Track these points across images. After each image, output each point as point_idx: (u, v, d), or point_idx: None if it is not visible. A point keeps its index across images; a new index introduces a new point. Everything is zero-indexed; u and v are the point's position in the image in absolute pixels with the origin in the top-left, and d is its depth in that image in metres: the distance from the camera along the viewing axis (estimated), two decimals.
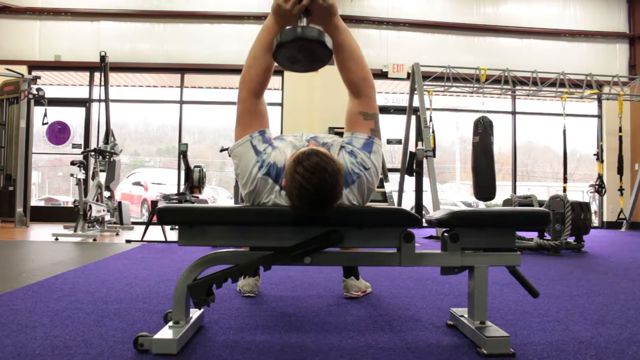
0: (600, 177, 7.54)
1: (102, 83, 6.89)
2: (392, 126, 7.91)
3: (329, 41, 1.43)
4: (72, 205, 5.33)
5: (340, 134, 1.70)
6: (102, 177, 5.90)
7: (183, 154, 5.42)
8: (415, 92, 6.40)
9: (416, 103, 6.39)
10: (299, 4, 1.47)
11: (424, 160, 5.29)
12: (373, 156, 1.53)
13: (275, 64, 1.55)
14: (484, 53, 8.16)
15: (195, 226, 1.40)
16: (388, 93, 8.87)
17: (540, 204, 4.24)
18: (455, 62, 7.38)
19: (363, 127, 1.54)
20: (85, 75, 7.86)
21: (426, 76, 6.67)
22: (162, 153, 13.86)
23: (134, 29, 7.80)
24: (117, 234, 5.46)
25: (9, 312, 1.69)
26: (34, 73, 7.09)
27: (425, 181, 5.36)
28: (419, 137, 6.06)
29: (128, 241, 4.56)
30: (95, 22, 7.76)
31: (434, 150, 6.03)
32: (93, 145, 7.36)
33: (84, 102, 7.81)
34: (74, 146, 7.43)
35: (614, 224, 7.88)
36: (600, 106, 8.41)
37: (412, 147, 6.21)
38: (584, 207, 3.98)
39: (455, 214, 1.41)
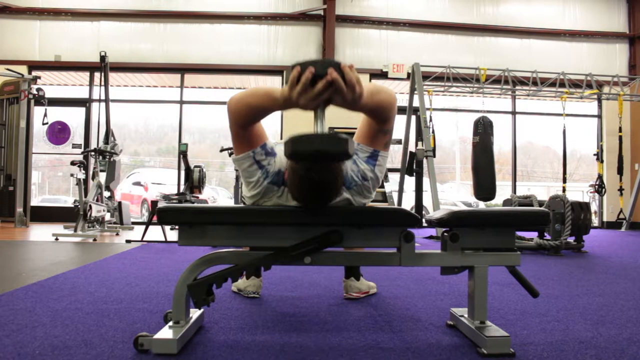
0: (600, 177, 7.54)
1: (102, 83, 6.89)
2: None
3: (352, 147, 1.17)
4: (72, 205, 5.33)
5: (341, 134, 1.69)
6: (102, 177, 5.90)
7: (183, 154, 5.42)
8: (415, 92, 6.40)
9: (416, 103, 6.39)
10: (315, 100, 1.18)
11: (424, 160, 5.29)
12: (377, 168, 1.51)
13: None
14: (484, 53, 8.16)
15: (195, 226, 1.40)
16: None
17: (540, 204, 4.24)
18: (455, 62, 7.39)
19: (379, 141, 1.50)
20: (85, 75, 7.86)
21: (426, 76, 6.67)
22: (162, 153, 13.87)
23: (134, 29, 7.80)
24: (117, 234, 5.46)
25: (9, 312, 1.69)
26: (34, 73, 7.09)
27: (425, 181, 5.36)
28: (419, 137, 6.07)
29: (128, 241, 4.56)
30: (95, 22, 7.76)
31: (434, 150, 6.03)
32: (93, 145, 7.36)
33: (84, 102, 7.81)
34: (74, 146, 7.43)
35: (614, 224, 7.88)
36: (600, 106, 8.41)
37: (412, 147, 6.21)
38: (584, 207, 3.98)
39: (455, 214, 1.41)
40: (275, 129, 8.17)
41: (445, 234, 1.43)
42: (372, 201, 1.61)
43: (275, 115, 7.97)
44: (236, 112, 1.37)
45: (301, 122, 7.66)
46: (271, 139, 1.54)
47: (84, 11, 7.69)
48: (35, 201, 10.56)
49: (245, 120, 1.38)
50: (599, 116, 8.45)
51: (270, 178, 1.46)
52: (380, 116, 1.42)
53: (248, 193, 1.51)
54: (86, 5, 7.70)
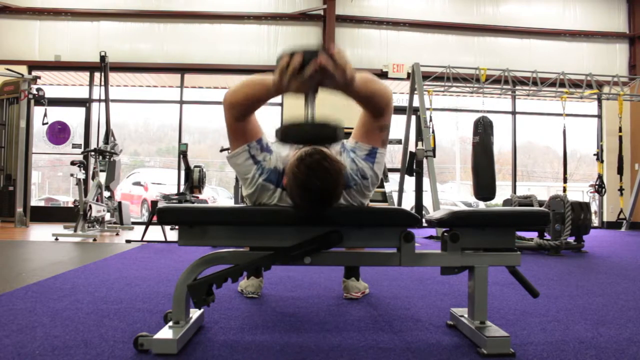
0: (600, 177, 7.54)
1: (102, 83, 6.88)
2: (392, 126, 7.89)
3: (341, 133, 1.23)
4: (72, 205, 5.32)
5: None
6: (102, 177, 5.90)
7: (183, 154, 5.42)
8: (415, 92, 6.39)
9: (416, 103, 6.39)
10: (306, 84, 1.22)
11: (424, 160, 5.29)
12: (376, 166, 1.53)
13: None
14: (484, 53, 8.16)
15: (195, 226, 1.40)
16: None
17: (540, 204, 4.24)
18: (455, 62, 7.38)
19: (376, 138, 1.52)
20: (85, 75, 7.86)
21: (426, 76, 6.66)
22: (162, 153, 13.87)
23: (134, 29, 7.80)
24: (117, 234, 5.45)
25: (9, 312, 1.69)
26: (34, 73, 7.08)
27: (425, 181, 5.36)
28: (419, 137, 6.06)
29: (128, 241, 4.55)
30: (95, 22, 7.75)
31: (434, 150, 6.03)
32: (93, 145, 7.35)
33: (84, 102, 7.80)
34: (74, 146, 7.43)
35: (614, 224, 7.87)
36: (600, 106, 8.40)
37: (412, 147, 6.21)
38: (584, 207, 3.98)
39: (455, 214, 1.41)
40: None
41: (445, 234, 1.43)
42: (372, 201, 1.61)
43: (276, 114, 7.99)
44: (232, 103, 1.41)
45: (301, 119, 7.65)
46: (268, 137, 1.55)
47: (84, 11, 7.68)
48: (34, 201, 10.55)
49: (240, 112, 1.41)
50: (599, 116, 8.45)
51: (265, 175, 1.46)
52: (375, 107, 1.45)
53: (245, 191, 1.52)
54: (86, 5, 7.69)
